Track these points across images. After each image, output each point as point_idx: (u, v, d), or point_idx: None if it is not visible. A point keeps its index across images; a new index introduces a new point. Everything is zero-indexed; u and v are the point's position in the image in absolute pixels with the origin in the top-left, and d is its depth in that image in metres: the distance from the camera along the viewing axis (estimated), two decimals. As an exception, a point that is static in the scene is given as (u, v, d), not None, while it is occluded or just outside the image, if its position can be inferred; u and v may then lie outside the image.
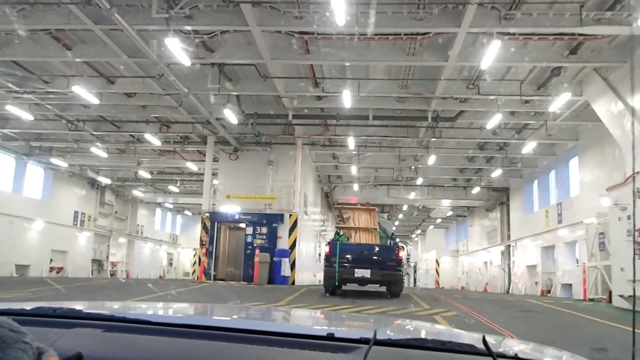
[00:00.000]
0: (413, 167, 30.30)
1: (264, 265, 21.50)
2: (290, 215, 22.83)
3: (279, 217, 22.72)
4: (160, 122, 23.12)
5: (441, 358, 1.38)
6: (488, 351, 1.32)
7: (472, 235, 44.96)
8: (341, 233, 16.70)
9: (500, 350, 1.44)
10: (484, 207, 38.84)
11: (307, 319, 2.61)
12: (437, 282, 51.28)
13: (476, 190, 32.97)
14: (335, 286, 14.32)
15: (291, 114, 19.94)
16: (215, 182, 25.15)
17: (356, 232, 16.31)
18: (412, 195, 34.95)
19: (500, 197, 35.15)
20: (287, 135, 23.42)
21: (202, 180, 25.21)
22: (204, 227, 23.06)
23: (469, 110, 19.23)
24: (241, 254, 22.96)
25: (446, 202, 37.82)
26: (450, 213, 43.90)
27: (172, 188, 37.07)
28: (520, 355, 1.43)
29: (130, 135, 24.67)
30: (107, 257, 39.37)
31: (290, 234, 22.67)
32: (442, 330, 2.38)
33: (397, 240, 17.18)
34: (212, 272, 22.38)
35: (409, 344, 1.44)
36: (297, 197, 23.14)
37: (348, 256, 14.15)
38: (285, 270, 21.42)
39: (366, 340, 1.37)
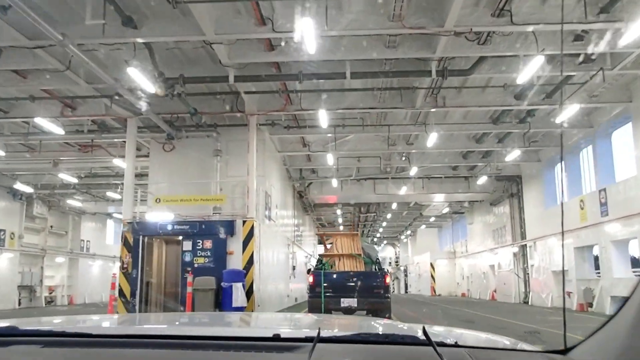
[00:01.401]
0: (405, 155, 24.19)
1: (206, 294, 15.20)
2: (245, 221, 16.54)
3: (228, 226, 16.42)
4: (58, 100, 16.66)
5: (384, 350, 1.44)
6: (428, 341, 1.40)
7: (472, 235, 39.04)
8: (324, 261, 15.63)
9: (440, 339, 1.50)
10: (487, 201, 32.90)
11: (253, 322, 2.65)
12: (433, 289, 45.32)
13: (482, 180, 26.95)
14: None
15: (232, 75, 13.63)
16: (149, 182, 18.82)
17: (340, 259, 15.33)
18: (403, 190, 28.84)
19: (509, 188, 29.22)
20: (236, 113, 17.18)
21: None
22: (125, 243, 16.67)
23: (491, 56, 13.13)
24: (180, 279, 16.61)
25: (443, 197, 31.79)
26: (446, 210, 37.88)
27: (111, 194, 30.36)
28: (460, 343, 1.53)
29: (24, 122, 18.20)
30: (41, 281, 32.69)
31: (245, 248, 16.38)
32: (385, 324, 2.40)
33: (383, 266, 16.32)
34: (137, 306, 16.04)
35: (353, 340, 1.53)
36: (252, 197, 16.85)
37: (333, 285, 13.54)
38: (238, 300, 15.12)
39: (311, 339, 1.41)
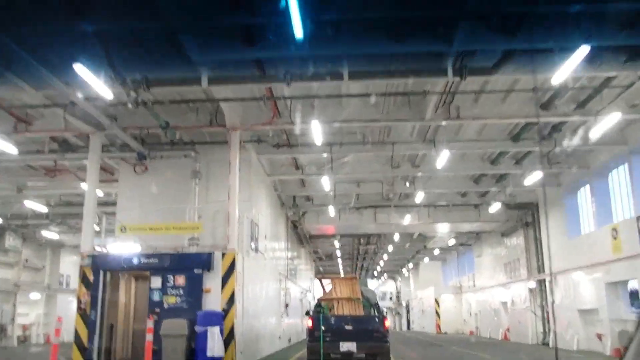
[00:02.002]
0: (410, 179, 21.75)
1: (176, 341, 12.55)
2: (224, 254, 13.98)
3: (204, 259, 13.84)
4: (7, 113, 14.26)
5: None
6: None
7: (480, 268, 36.32)
8: (323, 304, 15.32)
9: None
10: (498, 232, 30.33)
11: None
12: (438, 326, 42.33)
13: (495, 207, 24.41)
14: None
15: (205, 76, 11.25)
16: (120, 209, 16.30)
17: (338, 303, 14.95)
18: (406, 220, 26.30)
19: (523, 217, 26.69)
20: (216, 127, 14.83)
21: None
22: (84, 280, 14.04)
23: (520, 50, 10.78)
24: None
25: (450, 227, 29.21)
26: (452, 241, 35.25)
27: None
28: None
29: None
30: (13, 320, 29.88)
31: (224, 285, 13.77)
32: None
33: (384, 303, 16.72)
34: (94, 354, 13.35)
35: None
36: (234, 225, 14.32)
37: (332, 329, 13.34)
38: (214, 348, 12.44)
39: None
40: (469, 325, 39.74)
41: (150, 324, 12.08)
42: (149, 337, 11.93)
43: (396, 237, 32.93)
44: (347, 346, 12.96)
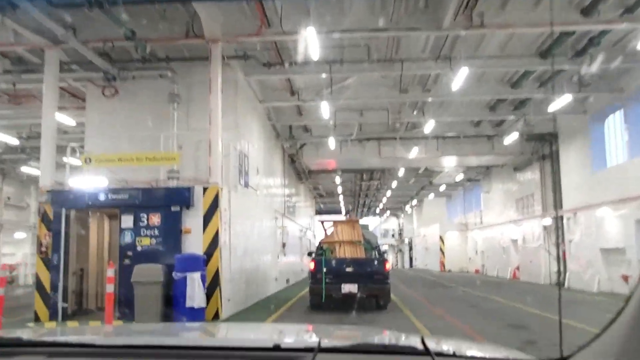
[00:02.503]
0: (419, 106, 19.52)
1: (151, 290, 10.76)
2: (206, 188, 12.00)
3: (182, 195, 11.88)
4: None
5: None
6: (427, 351, 1.42)
7: (488, 205, 34.58)
8: (325, 247, 15.22)
9: (439, 349, 1.53)
10: (510, 166, 28.32)
11: (253, 332, 2.69)
12: (443, 264, 41.13)
13: (511, 138, 22.20)
14: (322, 302, 13.34)
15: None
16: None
17: (340, 246, 14.85)
18: (413, 153, 24.20)
19: (539, 149, 24.59)
20: (193, 40, 12.51)
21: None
22: (44, 219, 12.13)
23: None
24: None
25: (460, 161, 27.16)
26: (460, 177, 33.29)
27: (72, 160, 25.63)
28: (458, 353, 1.56)
29: None
30: (-4, 260, 28.45)
31: (207, 225, 11.87)
32: (384, 334, 2.38)
33: (383, 251, 16.48)
34: (62, 304, 11.62)
35: (353, 349, 1.58)
36: (217, 155, 12.26)
37: (334, 272, 13.42)
38: (195, 297, 10.66)
39: (311, 349, 1.44)
40: (474, 263, 38.46)
41: (110, 272, 10.22)
42: (109, 287, 10.09)
43: (401, 172, 30.94)
44: (348, 288, 13.10)
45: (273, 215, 20.37)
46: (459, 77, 14.69)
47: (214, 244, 11.73)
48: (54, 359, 1.49)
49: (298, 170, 27.72)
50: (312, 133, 22.90)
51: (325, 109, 17.66)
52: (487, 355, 1.71)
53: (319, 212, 58.27)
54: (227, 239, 12.56)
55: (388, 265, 13.90)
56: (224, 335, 2.29)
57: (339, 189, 38.86)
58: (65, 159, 13.83)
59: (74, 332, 2.33)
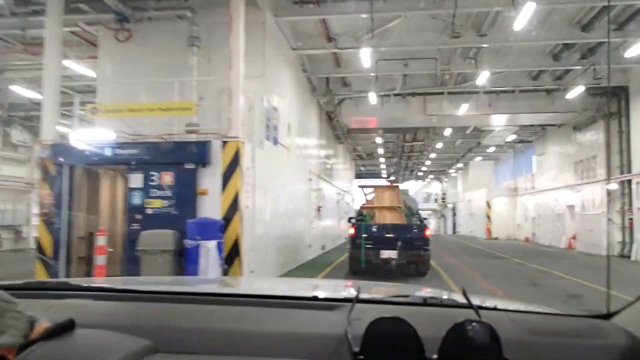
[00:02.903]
0: (472, 54, 17.28)
1: (159, 259, 9.29)
2: (225, 143, 10.36)
3: (198, 150, 10.29)
4: None
5: (426, 312, 1.48)
6: (469, 303, 1.41)
7: (542, 168, 32.05)
8: (364, 213, 14.77)
9: (479, 303, 1.48)
10: (569, 125, 25.74)
11: (291, 284, 2.77)
12: (489, 231, 38.92)
13: (576, 91, 19.67)
14: (361, 267, 13.26)
15: None
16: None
17: (380, 211, 14.65)
18: (462, 110, 21.95)
19: (606, 105, 22.00)
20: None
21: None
22: (46, 177, 10.78)
23: None
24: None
25: (515, 119, 24.74)
26: (511, 137, 30.72)
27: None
28: (499, 307, 1.55)
29: None
30: (28, 220, 27.94)
31: (226, 185, 10.28)
32: (424, 289, 2.32)
33: (423, 217, 15.73)
34: (60, 271, 10.34)
35: (391, 302, 1.58)
36: (237, 105, 10.57)
37: (373, 237, 13.31)
38: (209, 269, 9.15)
39: (350, 300, 1.45)
40: (524, 230, 36.12)
41: (101, 240, 8.79)
42: (100, 259, 8.65)
43: (447, 132, 28.64)
44: (387, 254, 13.05)
45: (307, 176, 18.71)
46: (523, 15, 12.42)
47: (233, 207, 10.15)
48: (101, 301, 1.55)
49: (336, 129, 25.87)
50: (351, 87, 20.93)
51: (365, 58, 15.65)
52: (530, 309, 1.66)
53: (358, 175, 56.49)
54: (251, 202, 10.99)
55: (428, 232, 13.64)
56: (262, 285, 2.41)
57: (380, 151, 36.84)
58: (74, 112, 12.44)
59: (118, 281, 2.43)
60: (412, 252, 13.12)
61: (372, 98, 20.57)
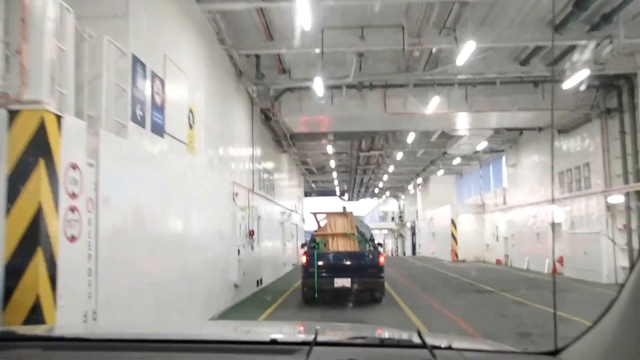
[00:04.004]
0: (450, 24, 12.83)
1: None
2: (14, 115, 5.30)
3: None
4: None
5: (381, 353, 1.51)
6: (423, 344, 1.45)
7: (515, 181, 28.04)
8: (317, 240, 14.46)
9: (434, 343, 1.51)
10: (554, 127, 21.68)
11: (248, 328, 2.60)
12: (455, 253, 34.69)
13: (577, 78, 15.38)
14: (315, 297, 13.12)
15: None
16: None
17: (333, 239, 14.35)
18: (432, 105, 17.48)
19: (601, 101, 18.05)
20: None
21: None
22: None
23: None
24: None
25: (492, 119, 20.44)
26: (483, 145, 26.46)
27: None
28: (453, 346, 1.57)
29: None
30: None
31: (14, 199, 5.19)
32: (380, 330, 2.32)
33: (377, 244, 14.91)
34: None
35: (349, 343, 1.59)
36: (39, 41, 5.55)
37: (326, 266, 13.13)
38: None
39: (308, 343, 1.45)
40: (494, 252, 31.99)
41: None
42: None
43: (410, 137, 24.13)
44: (341, 282, 12.78)
45: (231, 190, 13.72)
46: None
47: (30, 241, 5.09)
48: (48, 352, 1.49)
49: (276, 134, 21.01)
50: (291, 74, 16.13)
51: (305, 19, 10.93)
52: (482, 348, 1.75)
53: (309, 193, 51.85)
54: (87, 229, 5.96)
55: (382, 259, 13.42)
56: (220, 330, 2.24)
57: (332, 164, 32.15)
58: None
59: (68, 327, 2.42)
60: (367, 280, 12.87)
61: (319, 88, 15.86)
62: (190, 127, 10.32)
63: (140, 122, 7.84)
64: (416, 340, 1.48)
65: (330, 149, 26.48)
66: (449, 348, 1.53)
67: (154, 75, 8.44)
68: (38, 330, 1.92)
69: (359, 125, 20.62)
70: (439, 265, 30.88)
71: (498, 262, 30.73)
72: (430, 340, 1.47)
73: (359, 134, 23.11)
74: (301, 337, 1.73)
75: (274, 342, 1.56)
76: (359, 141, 25.23)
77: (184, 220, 9.76)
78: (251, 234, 15.73)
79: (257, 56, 14.20)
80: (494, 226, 31.92)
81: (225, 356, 1.45)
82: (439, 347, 1.48)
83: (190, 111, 10.39)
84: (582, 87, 16.25)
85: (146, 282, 7.73)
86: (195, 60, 11.10)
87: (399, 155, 29.44)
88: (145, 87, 8.07)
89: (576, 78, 14.99)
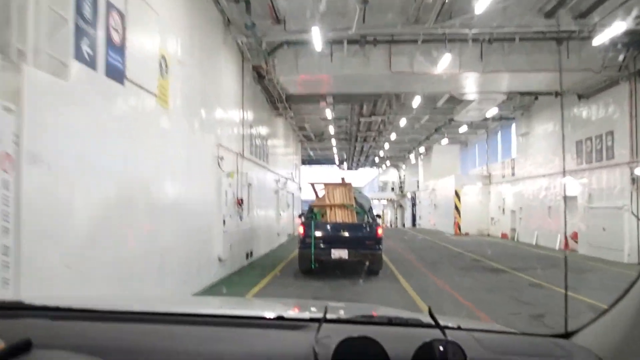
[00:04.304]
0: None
1: None
2: None
3: None
4: None
5: (391, 332, 1.46)
6: (435, 323, 1.42)
7: (526, 150, 26.43)
8: (315, 211, 14.10)
9: (444, 323, 1.46)
10: (573, 92, 19.98)
11: (262, 306, 2.56)
12: (458, 226, 33.32)
13: (611, 32, 13.63)
14: (311, 268, 12.83)
15: None
16: None
17: (331, 209, 13.96)
18: (443, 63, 15.77)
19: (633, 61, 16.35)
20: None
21: None
22: None
23: None
24: None
25: (508, 81, 18.73)
26: (494, 111, 24.72)
27: None
28: (463, 327, 1.56)
29: None
30: None
31: None
32: (390, 310, 2.19)
33: (376, 215, 14.72)
34: None
35: (359, 321, 1.58)
36: None
37: (323, 236, 12.97)
38: None
39: (317, 320, 1.43)
40: (500, 225, 30.58)
41: None
42: None
43: (415, 101, 22.40)
44: (338, 253, 12.62)
45: (216, 153, 12.15)
46: None
47: None
48: (57, 322, 1.48)
49: (271, 95, 19.31)
50: (286, 26, 14.37)
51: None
52: (493, 329, 1.69)
53: (308, 161, 50.31)
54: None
55: (380, 231, 13.21)
56: (226, 306, 2.16)
57: (331, 129, 30.45)
58: None
59: (77, 298, 2.28)
60: (364, 251, 12.70)
61: (317, 41, 14.14)
62: (162, 76, 8.68)
63: (89, 63, 6.20)
64: (426, 319, 1.48)
65: (329, 114, 24.77)
66: (459, 328, 1.53)
67: (111, 6, 6.76)
68: (47, 300, 1.70)
69: (361, 86, 18.92)
70: (441, 238, 29.50)
71: (504, 236, 29.36)
72: (439, 321, 1.44)
73: (360, 96, 21.36)
74: (310, 314, 1.60)
75: (281, 318, 1.55)
76: (360, 105, 23.46)
77: (153, 184, 8.20)
78: (240, 202, 14.21)
79: (247, 1, 12.40)
80: (501, 198, 30.43)
81: (231, 330, 1.42)
82: (448, 327, 1.44)
83: (163, 58, 8.73)
84: (613, 45, 14.51)
85: (97, 260, 6.21)
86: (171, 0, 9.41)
87: (402, 122, 27.74)
88: (98, 20, 6.41)
89: (608, 33, 13.26)
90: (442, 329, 1.36)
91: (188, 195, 10.04)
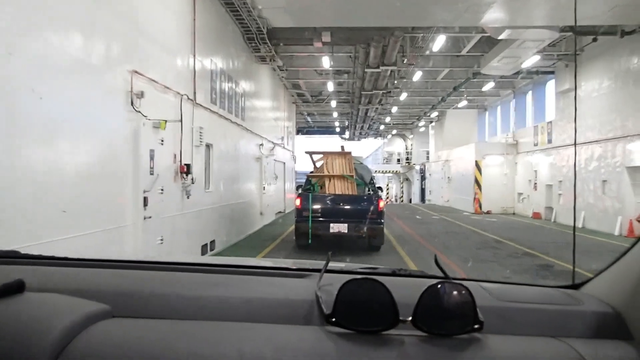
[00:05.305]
0: None
1: None
2: None
3: None
4: None
5: (395, 280, 1.43)
6: (442, 272, 1.45)
7: (568, 112, 21.42)
8: (313, 182, 13.72)
9: (451, 274, 1.49)
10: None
11: (265, 262, 2.66)
12: (479, 202, 28.52)
13: None
14: (308, 243, 12.33)
15: None
16: None
17: (330, 180, 13.52)
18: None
19: None
20: None
21: None
22: None
23: None
24: None
25: (553, 15, 13.64)
26: (533, 60, 19.59)
27: None
28: (471, 277, 1.57)
29: None
30: None
31: None
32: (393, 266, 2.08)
33: (377, 187, 14.14)
34: None
35: (362, 272, 1.58)
36: None
37: (322, 209, 12.43)
38: None
39: (318, 270, 1.46)
40: (529, 203, 25.72)
41: None
42: None
43: (438, 43, 17.26)
44: (337, 227, 12.11)
45: (125, 86, 7.26)
46: None
47: None
48: (52, 268, 1.45)
49: (248, 27, 14.31)
50: None
51: None
52: (501, 280, 1.65)
53: (306, 130, 45.56)
54: None
55: (382, 204, 12.48)
56: (231, 260, 2.00)
57: (330, 86, 25.39)
58: None
59: (75, 251, 2.14)
60: (365, 226, 12.06)
61: None
62: None
63: None
64: (431, 270, 1.50)
65: (327, 62, 19.71)
66: (467, 279, 1.53)
67: None
68: (45, 251, 1.66)
69: (366, 16, 13.85)
70: (461, 218, 24.67)
71: (536, 215, 24.52)
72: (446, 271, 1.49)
73: (365, 31, 16.23)
74: (316, 265, 1.60)
75: (286, 269, 1.58)
76: (366, 49, 18.28)
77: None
78: (184, 170, 9.38)
79: None
80: (532, 171, 25.48)
81: (234, 277, 1.41)
82: (457, 278, 1.44)
83: None
84: None
85: None
86: None
87: (417, 76, 22.68)
88: None
89: None
90: (449, 277, 1.38)
91: (62, 158, 5.23)
